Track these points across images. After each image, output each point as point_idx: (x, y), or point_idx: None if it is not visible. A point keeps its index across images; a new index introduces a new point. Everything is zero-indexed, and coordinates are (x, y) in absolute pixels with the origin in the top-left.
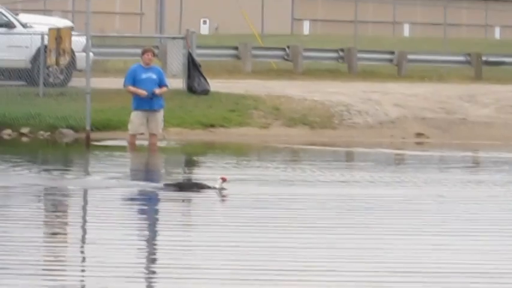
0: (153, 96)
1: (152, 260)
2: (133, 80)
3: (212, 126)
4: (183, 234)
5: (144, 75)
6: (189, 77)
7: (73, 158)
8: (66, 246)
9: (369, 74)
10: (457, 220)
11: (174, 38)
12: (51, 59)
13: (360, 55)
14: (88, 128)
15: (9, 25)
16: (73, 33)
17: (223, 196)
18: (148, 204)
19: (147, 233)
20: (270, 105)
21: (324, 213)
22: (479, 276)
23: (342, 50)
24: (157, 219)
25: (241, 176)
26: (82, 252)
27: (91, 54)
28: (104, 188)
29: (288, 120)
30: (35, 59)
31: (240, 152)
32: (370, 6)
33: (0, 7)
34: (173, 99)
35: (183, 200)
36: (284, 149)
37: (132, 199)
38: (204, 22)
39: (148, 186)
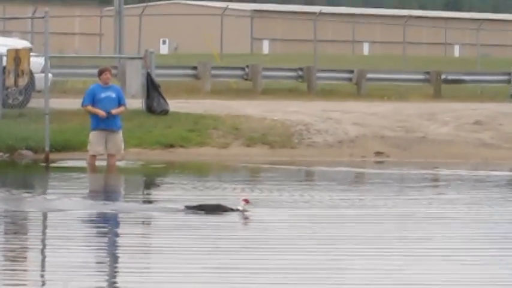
0: (109, 115)
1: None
2: (93, 100)
3: (171, 146)
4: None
5: (103, 95)
6: (148, 97)
7: (34, 179)
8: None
9: (328, 93)
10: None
11: (132, 58)
12: (10, 80)
13: (319, 74)
14: (47, 149)
15: None
16: (32, 54)
17: (246, 218)
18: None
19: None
20: (230, 124)
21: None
22: None
23: (301, 69)
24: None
25: (202, 196)
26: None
27: (50, 75)
28: (126, 212)
29: (247, 139)
30: None
31: (199, 172)
32: (329, 25)
33: None
34: (132, 120)
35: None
36: (245, 168)
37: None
38: (164, 42)
39: (168, 208)
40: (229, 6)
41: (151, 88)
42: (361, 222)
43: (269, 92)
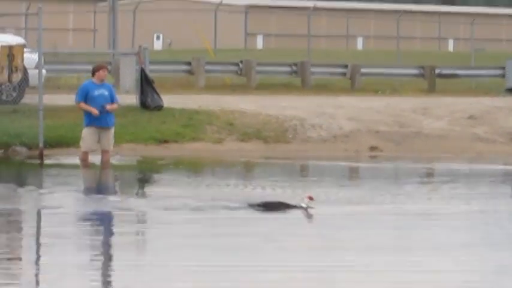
0: (103, 111)
1: None
2: (86, 97)
3: (166, 141)
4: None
5: (96, 92)
6: (142, 93)
7: (29, 175)
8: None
9: (322, 88)
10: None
11: (126, 54)
12: (4, 76)
13: (313, 69)
14: (41, 145)
15: None
16: (25, 50)
17: (310, 215)
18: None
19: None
20: (224, 120)
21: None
22: None
23: (296, 64)
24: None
25: (195, 193)
26: None
27: (44, 71)
28: (189, 210)
29: (241, 135)
30: None
31: (194, 167)
32: (323, 20)
33: None
34: (126, 115)
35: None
36: (242, 164)
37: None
38: (158, 38)
39: (232, 206)
40: (223, 2)
41: (145, 84)
42: None
43: (263, 87)
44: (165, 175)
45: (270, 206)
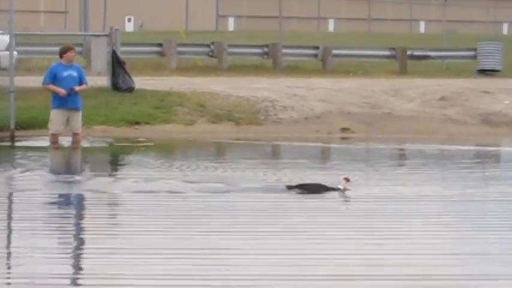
0: (71, 93)
1: None
2: (54, 78)
3: (137, 123)
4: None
5: (65, 73)
6: (114, 75)
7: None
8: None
9: (293, 70)
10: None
11: (98, 36)
12: None
13: (284, 50)
14: (12, 126)
15: None
16: None
17: (347, 197)
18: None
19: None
20: (195, 101)
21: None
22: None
23: (267, 45)
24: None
25: (168, 175)
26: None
27: (15, 52)
28: (225, 192)
29: (213, 116)
30: None
31: (166, 149)
32: (294, 1)
33: None
34: (98, 97)
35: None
36: (215, 145)
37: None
38: (129, 19)
39: (268, 188)
40: None
41: (117, 65)
42: None
43: (235, 69)
44: (136, 156)
45: (308, 188)
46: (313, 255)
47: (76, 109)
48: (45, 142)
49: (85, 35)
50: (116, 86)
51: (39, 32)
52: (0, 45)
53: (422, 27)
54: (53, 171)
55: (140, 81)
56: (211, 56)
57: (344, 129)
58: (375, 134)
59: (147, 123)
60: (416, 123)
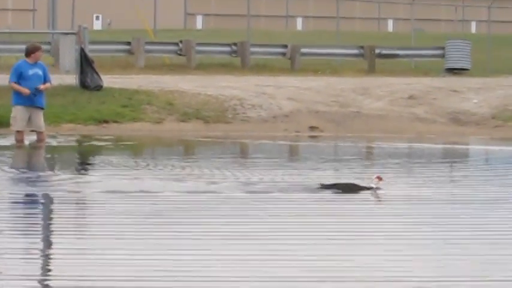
0: (37, 93)
1: None
2: (19, 77)
3: (105, 122)
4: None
5: (30, 72)
6: (82, 73)
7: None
8: None
9: (262, 68)
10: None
11: (66, 34)
12: None
13: (253, 49)
14: None
15: None
16: None
17: (379, 196)
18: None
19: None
20: (164, 100)
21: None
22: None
23: (235, 44)
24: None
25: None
26: None
27: None
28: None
29: (181, 115)
30: None
31: (134, 148)
32: (263, 0)
33: None
34: (66, 95)
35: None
36: (183, 143)
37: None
38: (97, 18)
39: (301, 188)
40: None
41: (85, 63)
42: None
43: (203, 68)
44: (105, 155)
45: (342, 188)
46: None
47: (39, 107)
48: (12, 140)
49: (53, 33)
50: (84, 85)
51: (7, 30)
52: None
53: (390, 25)
54: (19, 170)
55: (109, 80)
56: (180, 55)
57: (312, 128)
58: (343, 133)
59: (115, 121)
60: (385, 121)
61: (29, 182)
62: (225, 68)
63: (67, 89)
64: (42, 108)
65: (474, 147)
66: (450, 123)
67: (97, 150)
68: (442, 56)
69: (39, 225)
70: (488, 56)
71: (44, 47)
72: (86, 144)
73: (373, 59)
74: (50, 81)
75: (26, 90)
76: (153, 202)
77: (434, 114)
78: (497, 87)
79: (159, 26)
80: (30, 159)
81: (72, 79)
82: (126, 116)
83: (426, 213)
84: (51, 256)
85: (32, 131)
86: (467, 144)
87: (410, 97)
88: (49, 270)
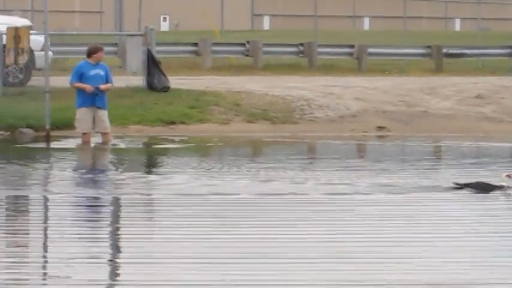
0: (98, 92)
1: None
2: (81, 77)
3: (173, 123)
4: None
5: (92, 72)
6: (149, 74)
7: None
8: None
9: (329, 68)
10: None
11: (132, 35)
12: (10, 59)
13: (320, 49)
14: (48, 127)
15: None
16: (31, 32)
17: (509, 195)
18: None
19: None
20: (231, 101)
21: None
22: None
23: (302, 44)
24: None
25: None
26: None
27: (50, 53)
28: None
29: (248, 115)
30: None
31: (199, 149)
32: (329, 0)
33: None
34: (133, 97)
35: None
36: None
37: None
38: (164, 19)
39: (435, 188)
40: None
41: (152, 65)
42: None
43: (270, 68)
44: (177, 158)
45: (475, 187)
46: None
47: (101, 108)
48: (80, 142)
49: (120, 35)
50: (151, 86)
51: (74, 32)
52: (35, 46)
53: (457, 25)
54: (90, 172)
55: (176, 81)
56: (247, 55)
57: (380, 128)
58: (411, 133)
59: (182, 122)
60: (452, 121)
61: (95, 183)
62: (291, 68)
63: (134, 90)
64: (104, 109)
65: None
66: None
67: (173, 152)
68: (510, 55)
69: (107, 230)
70: None
71: (111, 48)
72: (155, 146)
73: (440, 59)
74: (111, 82)
75: (88, 86)
76: (232, 204)
77: (502, 113)
78: None
79: (225, 27)
80: (98, 160)
81: (139, 80)
82: (193, 117)
83: None
84: (118, 261)
85: (98, 132)
86: None
87: (478, 96)
88: (117, 275)
